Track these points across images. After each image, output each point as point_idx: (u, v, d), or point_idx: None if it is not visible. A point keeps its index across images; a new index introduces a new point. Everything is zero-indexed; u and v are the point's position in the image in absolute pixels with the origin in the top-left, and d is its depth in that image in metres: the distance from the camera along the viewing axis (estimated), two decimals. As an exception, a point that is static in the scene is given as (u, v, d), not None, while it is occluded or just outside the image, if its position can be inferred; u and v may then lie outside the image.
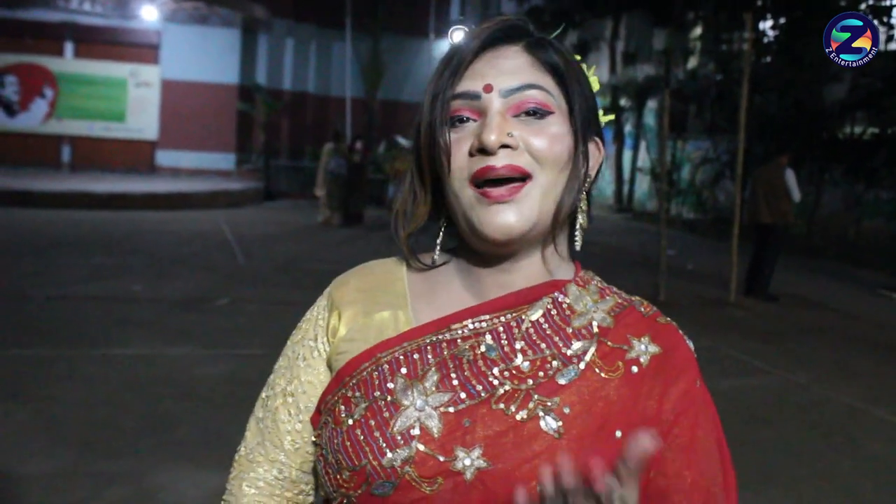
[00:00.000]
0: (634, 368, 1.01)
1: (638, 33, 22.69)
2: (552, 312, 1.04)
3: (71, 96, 22.31)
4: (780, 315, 9.32)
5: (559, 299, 1.05)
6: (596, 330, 1.03)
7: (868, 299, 10.71)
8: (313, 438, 1.08)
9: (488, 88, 0.99)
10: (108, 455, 4.34)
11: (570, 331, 1.03)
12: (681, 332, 1.07)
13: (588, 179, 1.07)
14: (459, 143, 1.00)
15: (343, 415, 1.01)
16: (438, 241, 1.11)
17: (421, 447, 0.95)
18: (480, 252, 1.05)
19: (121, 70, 22.72)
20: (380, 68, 21.65)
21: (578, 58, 1.10)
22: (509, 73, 1.00)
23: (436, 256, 1.11)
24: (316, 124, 24.72)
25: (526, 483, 0.92)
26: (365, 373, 1.02)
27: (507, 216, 0.97)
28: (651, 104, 21.11)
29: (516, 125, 0.99)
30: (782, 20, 16.98)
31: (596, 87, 1.12)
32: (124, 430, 4.70)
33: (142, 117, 22.93)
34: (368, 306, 1.08)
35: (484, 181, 0.98)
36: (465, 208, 1.00)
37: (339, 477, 0.98)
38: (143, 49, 23.04)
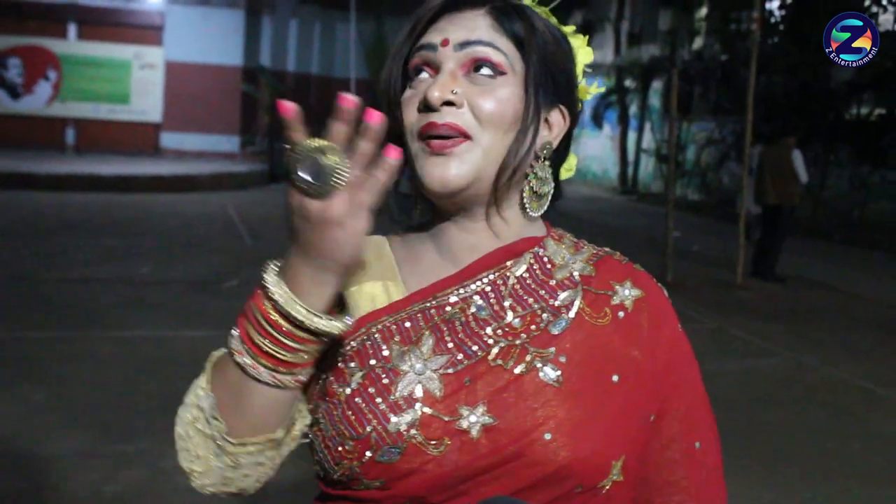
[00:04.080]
0: (621, 314, 1.05)
1: (643, 13, 22.55)
2: (534, 267, 1.07)
3: (75, 78, 22.23)
4: (788, 296, 9.32)
5: (539, 253, 1.08)
6: (578, 279, 1.06)
7: (874, 280, 10.71)
8: (308, 411, 1.05)
9: (445, 42, 1.01)
10: (124, 436, 4.37)
11: (554, 283, 1.06)
12: (653, 278, 1.12)
13: (548, 147, 1.07)
14: (413, 100, 1.02)
15: (336, 386, 1.00)
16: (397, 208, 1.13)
17: (426, 409, 0.96)
18: (442, 212, 1.08)
19: (124, 52, 22.61)
20: (384, 50, 21.54)
21: (573, 28, 1.12)
22: (466, 29, 1.02)
23: (416, 216, 1.13)
24: (320, 106, 24.65)
25: (532, 434, 0.95)
26: (356, 342, 1.02)
27: (446, 168, 0.99)
28: (656, 85, 21.01)
29: (464, 84, 1.01)
30: (789, 0, 16.87)
31: (589, 58, 1.12)
32: (140, 411, 4.73)
33: (146, 99, 22.84)
34: (358, 277, 1.08)
35: (428, 136, 1.00)
36: (412, 161, 1.03)
37: (341, 449, 0.97)
38: (146, 31, 22.94)
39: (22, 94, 22.10)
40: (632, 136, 22.01)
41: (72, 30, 22.44)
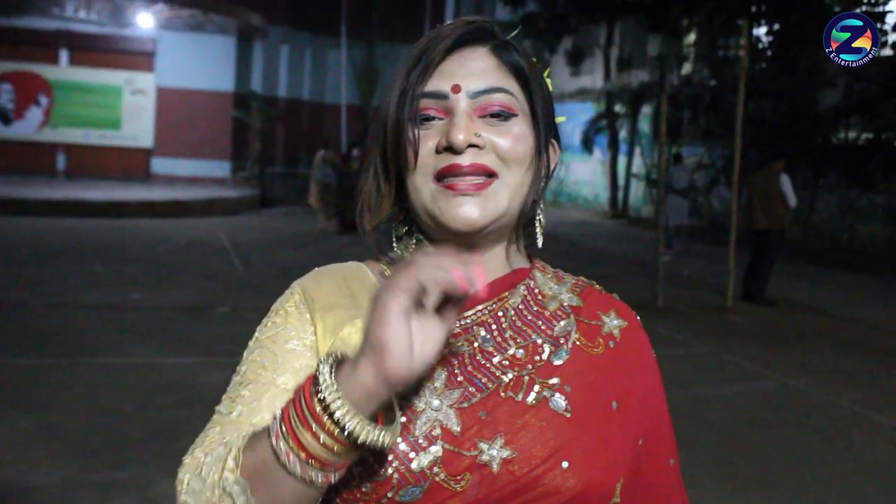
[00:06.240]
0: (611, 343, 1.09)
1: (632, 39, 22.69)
2: (528, 299, 1.09)
3: (66, 104, 22.29)
4: (778, 320, 9.35)
5: (531, 285, 1.10)
6: (569, 309, 1.09)
7: (864, 303, 10.74)
8: None
9: (456, 89, 1.01)
10: (111, 464, 4.34)
11: (549, 313, 1.08)
12: (630, 308, 1.16)
13: (547, 180, 1.10)
14: (426, 140, 1.01)
15: None
16: (393, 240, 1.13)
17: (447, 446, 0.96)
18: (442, 247, 1.04)
19: (116, 78, 22.70)
20: (375, 75, 21.67)
21: (535, 59, 1.13)
22: (477, 74, 1.02)
23: (404, 253, 1.12)
24: (311, 131, 24.72)
25: (548, 462, 0.96)
26: None
27: (472, 209, 0.99)
28: (645, 110, 21.14)
29: (482, 126, 1.01)
30: (776, 26, 17.02)
31: (549, 89, 1.14)
32: (128, 439, 4.71)
33: (137, 125, 22.91)
34: (354, 311, 1.06)
35: (449, 176, 1.00)
36: (426, 202, 1.02)
37: (357, 492, 0.95)
38: (138, 57, 23.03)
39: (13, 119, 22.15)
40: (622, 161, 22.10)
41: (63, 56, 22.52)
